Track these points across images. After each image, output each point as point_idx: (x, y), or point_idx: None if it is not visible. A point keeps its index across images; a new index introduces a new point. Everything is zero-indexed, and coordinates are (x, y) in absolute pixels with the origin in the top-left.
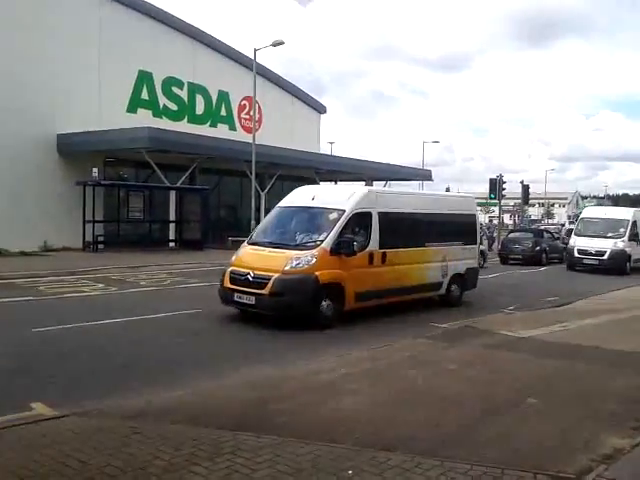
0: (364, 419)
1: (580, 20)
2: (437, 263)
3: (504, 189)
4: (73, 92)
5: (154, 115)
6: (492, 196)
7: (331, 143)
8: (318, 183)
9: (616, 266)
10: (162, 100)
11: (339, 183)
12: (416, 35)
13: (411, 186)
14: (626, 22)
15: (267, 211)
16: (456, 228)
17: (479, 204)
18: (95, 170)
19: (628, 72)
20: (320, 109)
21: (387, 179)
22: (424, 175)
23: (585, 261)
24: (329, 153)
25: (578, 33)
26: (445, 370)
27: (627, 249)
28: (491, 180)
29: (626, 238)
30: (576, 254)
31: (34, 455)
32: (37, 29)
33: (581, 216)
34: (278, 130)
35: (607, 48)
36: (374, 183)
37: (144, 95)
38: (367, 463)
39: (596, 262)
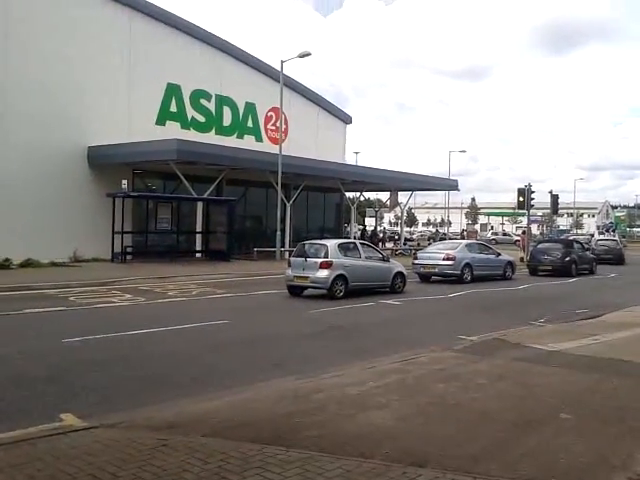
0: (393, 433)
1: (604, 26)
2: None
3: (532, 199)
4: (103, 105)
5: (182, 127)
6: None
7: (356, 153)
8: (343, 193)
9: None
10: (190, 112)
11: (364, 193)
12: (438, 44)
13: (436, 196)
14: None
15: (292, 222)
16: None
17: (506, 214)
18: (124, 182)
19: None
20: (345, 119)
21: (413, 189)
22: (450, 185)
23: None
24: (355, 163)
25: (602, 40)
26: (475, 384)
27: None
28: (519, 190)
29: None
30: None
31: (64, 466)
32: (69, 43)
33: None
34: (304, 141)
35: (633, 54)
36: (399, 193)
37: (173, 107)
38: (397, 479)
39: None
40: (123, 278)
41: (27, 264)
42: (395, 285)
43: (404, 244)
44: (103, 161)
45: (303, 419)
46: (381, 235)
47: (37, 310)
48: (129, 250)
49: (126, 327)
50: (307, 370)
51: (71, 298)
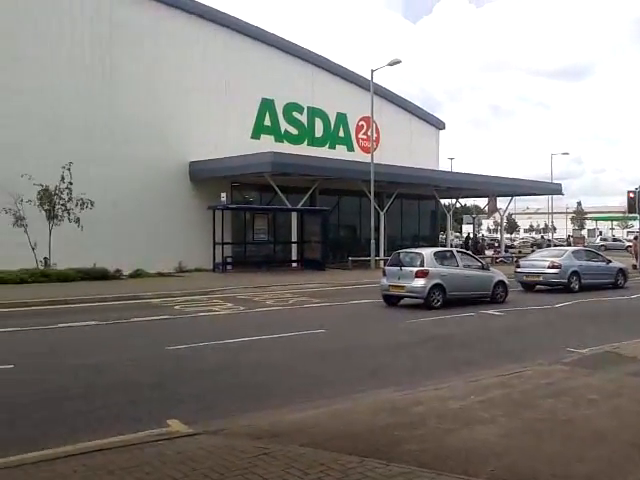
0: (498, 450)
1: None
2: None
3: None
4: (202, 122)
5: (276, 140)
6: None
7: (451, 159)
8: (438, 200)
9: None
10: (283, 125)
11: (460, 200)
12: (533, 45)
13: (539, 201)
14: None
15: (386, 230)
16: None
17: (615, 218)
18: (223, 195)
19: None
20: (438, 125)
21: (512, 194)
22: (553, 189)
23: None
24: (449, 169)
25: None
26: (587, 400)
27: None
28: (629, 192)
29: None
30: None
31: (170, 471)
32: (172, 64)
33: None
34: (396, 148)
35: None
36: (498, 199)
37: (267, 121)
38: None
39: None
40: (223, 287)
41: (136, 275)
42: (496, 295)
43: (505, 251)
44: (203, 175)
45: (403, 432)
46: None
47: (143, 318)
48: (229, 260)
49: (227, 335)
50: (405, 381)
51: (176, 307)
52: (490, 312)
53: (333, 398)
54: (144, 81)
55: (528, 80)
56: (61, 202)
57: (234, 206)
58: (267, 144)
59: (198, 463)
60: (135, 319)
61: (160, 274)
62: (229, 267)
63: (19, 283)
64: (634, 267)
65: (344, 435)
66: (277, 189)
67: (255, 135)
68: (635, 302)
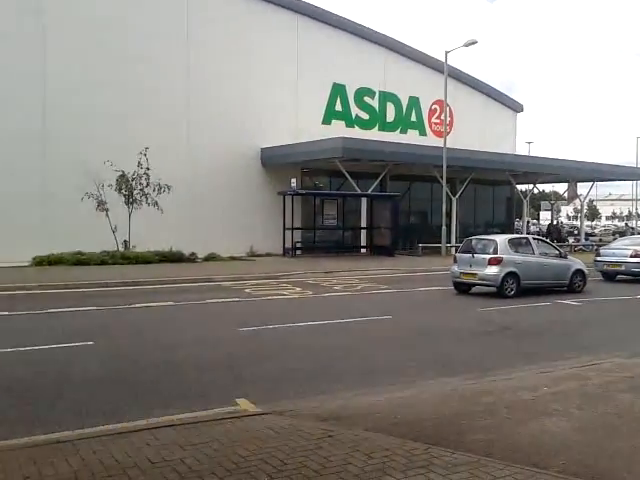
0: (570, 444)
1: None
2: None
3: None
4: (274, 108)
5: (347, 125)
6: None
7: (529, 143)
8: (514, 186)
9: None
10: (354, 110)
11: (538, 185)
12: (623, 22)
13: (622, 187)
14: None
15: (458, 217)
16: None
17: None
18: (294, 181)
19: None
20: (516, 107)
21: (594, 180)
22: (637, 174)
23: None
24: (527, 154)
25: None
26: None
27: None
28: None
29: None
30: None
31: (237, 449)
32: (243, 52)
33: None
34: (470, 132)
35: None
36: (579, 184)
37: (338, 107)
38: None
39: None
40: (293, 272)
41: (210, 258)
42: (574, 284)
43: (585, 239)
44: (274, 162)
45: (470, 421)
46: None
47: (216, 300)
48: (298, 245)
49: (295, 319)
50: (474, 371)
51: (246, 290)
52: (567, 302)
53: (400, 385)
54: (219, 70)
55: (612, 59)
56: (140, 187)
57: (304, 192)
58: (338, 129)
59: (264, 442)
60: (208, 301)
61: (232, 258)
62: (298, 252)
63: (100, 264)
64: None
65: (410, 422)
66: (347, 175)
67: (326, 121)
68: None
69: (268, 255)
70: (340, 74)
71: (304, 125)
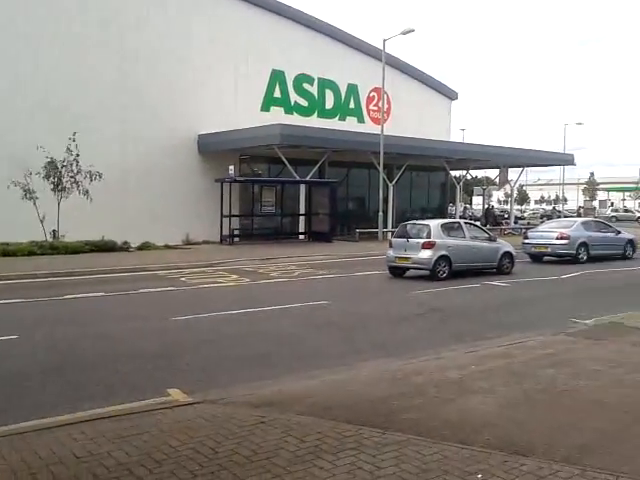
0: (495, 420)
1: None
2: None
3: None
4: (212, 94)
5: (286, 112)
6: None
7: (463, 130)
8: (448, 172)
9: None
10: (293, 97)
11: (471, 171)
12: (549, 11)
13: (550, 172)
14: None
15: (395, 202)
16: None
17: (628, 189)
18: (231, 168)
19: None
20: (451, 95)
21: (524, 165)
22: (565, 160)
23: None
24: (461, 141)
25: None
26: (588, 370)
27: None
28: None
29: None
30: None
31: (168, 440)
32: (181, 35)
33: None
34: (407, 119)
35: None
36: (510, 170)
37: (277, 93)
38: (498, 467)
39: None
40: (229, 260)
41: (143, 247)
42: (502, 266)
43: (514, 223)
44: (212, 148)
45: (401, 402)
46: (483, 214)
47: (149, 290)
48: (236, 233)
49: (231, 306)
50: (407, 352)
51: (182, 279)
52: (495, 283)
53: (334, 368)
54: (153, 54)
55: (542, 49)
56: (70, 174)
57: (242, 179)
58: (277, 116)
59: (196, 431)
60: (141, 290)
61: (167, 246)
62: (236, 239)
63: (28, 255)
64: None
65: (343, 404)
66: (286, 161)
67: (265, 107)
68: None
69: (205, 243)
70: (279, 60)
71: (243, 111)
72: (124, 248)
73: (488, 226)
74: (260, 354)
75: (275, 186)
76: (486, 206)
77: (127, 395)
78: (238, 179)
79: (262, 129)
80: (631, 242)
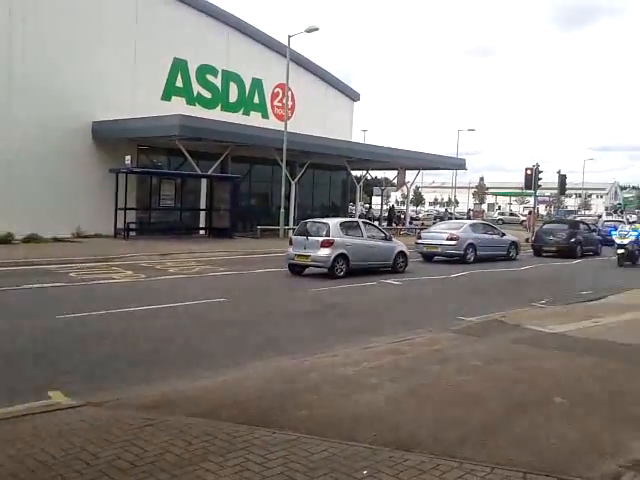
0: (383, 415)
1: (613, 2)
2: None
3: (540, 179)
4: (109, 80)
5: (188, 103)
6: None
7: (364, 131)
8: (349, 172)
9: None
10: (196, 88)
11: (371, 172)
12: (447, 20)
13: (444, 175)
14: None
15: (297, 200)
16: None
17: (513, 194)
18: (128, 158)
19: None
20: (353, 96)
21: (420, 168)
22: (458, 164)
23: None
24: (362, 141)
25: (613, 14)
26: (470, 366)
27: None
28: (527, 169)
29: None
30: None
31: (45, 446)
32: (74, 16)
33: None
34: (310, 118)
35: None
36: (407, 172)
37: (178, 83)
38: (383, 463)
39: None
40: (125, 255)
41: (30, 239)
42: (397, 265)
43: (409, 223)
44: (107, 136)
45: (294, 399)
46: (386, 214)
47: (36, 286)
48: (132, 227)
49: (123, 304)
50: (302, 349)
51: (71, 274)
52: (390, 281)
53: (227, 367)
54: (47, 35)
55: (441, 55)
56: None
57: (139, 170)
58: (178, 107)
59: (77, 436)
60: (26, 286)
61: (56, 239)
62: (132, 234)
63: None
64: (527, 240)
65: (235, 404)
66: (187, 154)
67: (166, 97)
68: (524, 273)
69: (98, 237)
70: (182, 49)
71: (142, 100)
72: (7, 240)
73: (393, 225)
74: (151, 353)
75: (175, 179)
76: (389, 206)
77: (3, 399)
78: (135, 170)
79: (162, 119)
80: (514, 244)
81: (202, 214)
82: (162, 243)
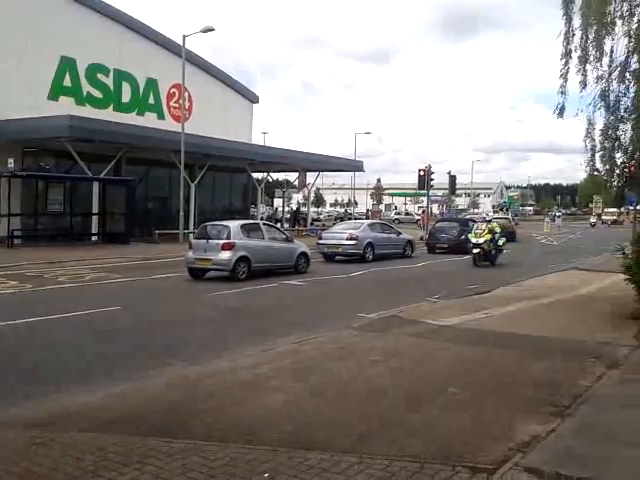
0: (284, 417)
1: (501, 14)
2: None
3: (432, 180)
4: None
5: (77, 103)
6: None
7: (264, 134)
8: (250, 174)
9: None
10: (86, 87)
11: (272, 174)
12: (343, 26)
13: (343, 177)
14: (547, 15)
15: (197, 203)
16: None
17: (408, 194)
18: (11, 161)
19: (548, 65)
20: (252, 98)
21: (320, 170)
22: (356, 166)
23: None
24: (262, 144)
25: (499, 27)
26: (369, 361)
27: None
28: (420, 171)
29: None
30: None
31: None
32: None
33: None
34: (209, 119)
35: (528, 41)
36: (307, 174)
37: (67, 82)
38: (284, 464)
39: None
40: (9, 264)
41: None
42: (299, 265)
43: (311, 224)
44: None
45: (193, 407)
46: (288, 215)
47: None
48: (17, 234)
49: (6, 317)
50: (201, 356)
51: None
52: (292, 282)
53: (122, 379)
54: None
55: (338, 60)
56: None
57: (23, 173)
58: (67, 107)
59: None
60: None
61: None
62: (17, 241)
63: None
64: (421, 238)
65: (130, 416)
66: (76, 156)
67: (53, 96)
68: (420, 270)
69: None
70: (70, 47)
71: (26, 100)
72: None
73: (296, 226)
74: (37, 369)
75: (64, 183)
76: (295, 207)
77: None
78: (18, 173)
79: (49, 120)
80: (410, 242)
81: (94, 219)
82: (51, 251)
